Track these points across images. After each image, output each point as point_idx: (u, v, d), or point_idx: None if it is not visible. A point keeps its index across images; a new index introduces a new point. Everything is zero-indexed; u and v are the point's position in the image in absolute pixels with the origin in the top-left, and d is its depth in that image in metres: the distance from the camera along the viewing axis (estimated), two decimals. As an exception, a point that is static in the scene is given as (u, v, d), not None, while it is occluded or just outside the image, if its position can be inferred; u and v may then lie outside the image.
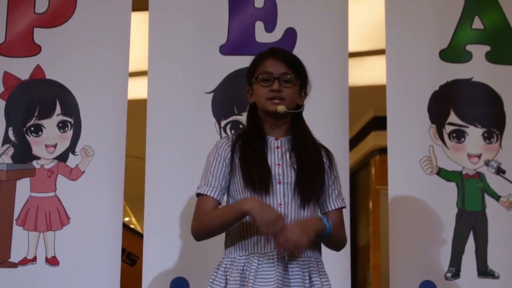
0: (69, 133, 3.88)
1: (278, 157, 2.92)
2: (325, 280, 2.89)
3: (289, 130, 2.98)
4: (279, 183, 2.88)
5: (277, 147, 2.94)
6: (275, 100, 2.90)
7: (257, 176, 2.86)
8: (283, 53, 3.01)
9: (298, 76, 2.96)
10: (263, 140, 2.94)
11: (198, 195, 2.96)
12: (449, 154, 3.94)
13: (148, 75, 3.93)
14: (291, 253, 2.80)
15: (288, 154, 2.93)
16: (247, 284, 2.78)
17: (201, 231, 2.92)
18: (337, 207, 3.01)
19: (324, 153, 3.01)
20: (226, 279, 2.85)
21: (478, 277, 3.85)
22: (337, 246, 3.04)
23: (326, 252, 3.59)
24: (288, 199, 2.87)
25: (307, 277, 2.85)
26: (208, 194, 2.92)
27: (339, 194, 3.03)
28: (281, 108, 2.89)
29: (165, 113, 3.89)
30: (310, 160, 2.93)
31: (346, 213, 3.79)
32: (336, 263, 3.77)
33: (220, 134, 3.87)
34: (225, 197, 2.96)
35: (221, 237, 2.96)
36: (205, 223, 2.90)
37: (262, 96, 2.92)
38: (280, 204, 2.86)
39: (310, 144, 2.97)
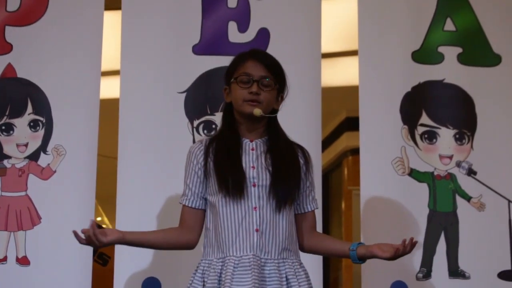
0: (41, 132, 3.86)
1: (253, 159, 2.92)
2: (302, 280, 2.89)
3: (264, 132, 2.98)
4: (254, 185, 2.88)
5: (252, 149, 2.94)
6: (251, 103, 2.90)
7: (231, 179, 2.86)
8: (265, 56, 3.00)
9: (277, 80, 2.96)
10: (238, 142, 2.94)
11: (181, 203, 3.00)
12: (421, 155, 3.96)
13: (120, 75, 3.91)
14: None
15: (263, 156, 2.93)
16: (224, 287, 2.78)
17: None
18: (313, 208, 3.04)
19: (301, 154, 3.02)
20: (204, 281, 2.86)
21: (449, 278, 3.87)
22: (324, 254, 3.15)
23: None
24: (263, 202, 2.87)
25: (284, 278, 2.86)
26: (187, 204, 2.96)
27: (314, 196, 3.06)
28: (257, 112, 2.89)
29: (137, 112, 3.88)
30: (285, 162, 2.93)
31: (319, 214, 3.80)
32: (308, 263, 3.76)
33: (193, 134, 3.86)
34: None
35: (193, 237, 2.96)
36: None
37: (239, 97, 2.92)
38: (255, 208, 2.86)
39: (285, 146, 2.98)
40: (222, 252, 2.86)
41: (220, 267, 2.84)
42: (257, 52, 3.02)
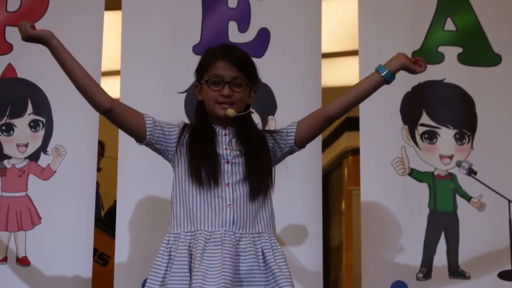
0: (41, 132, 3.86)
1: (226, 142, 2.93)
2: (278, 254, 2.87)
3: (234, 122, 2.98)
4: (227, 162, 2.89)
5: (225, 135, 2.95)
6: (224, 105, 2.90)
7: (206, 165, 2.85)
8: (235, 55, 2.97)
9: (249, 78, 2.95)
10: (210, 129, 2.95)
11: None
12: (421, 155, 3.96)
13: (120, 75, 3.91)
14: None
15: (234, 140, 2.94)
16: (194, 262, 2.77)
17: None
18: (293, 130, 3.00)
19: (268, 134, 3.02)
20: (170, 255, 2.84)
21: (449, 278, 3.87)
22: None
23: (297, 252, 3.61)
24: (236, 177, 2.88)
25: (260, 253, 2.84)
26: (145, 116, 3.00)
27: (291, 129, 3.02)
28: (230, 112, 2.90)
29: (137, 112, 3.87)
30: (256, 142, 2.94)
31: (319, 214, 3.81)
32: (308, 263, 3.79)
33: (193, 134, 3.86)
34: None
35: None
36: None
37: (211, 98, 2.92)
38: (228, 184, 2.87)
39: (254, 130, 2.99)
40: (192, 226, 2.84)
41: (189, 240, 2.83)
42: (226, 51, 2.98)
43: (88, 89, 2.97)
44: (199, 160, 2.87)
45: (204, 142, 2.91)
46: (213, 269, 2.75)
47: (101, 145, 5.27)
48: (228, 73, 2.91)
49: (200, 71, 2.99)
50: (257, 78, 3.01)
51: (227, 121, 2.95)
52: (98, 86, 2.98)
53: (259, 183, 2.90)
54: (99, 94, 2.96)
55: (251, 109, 3.05)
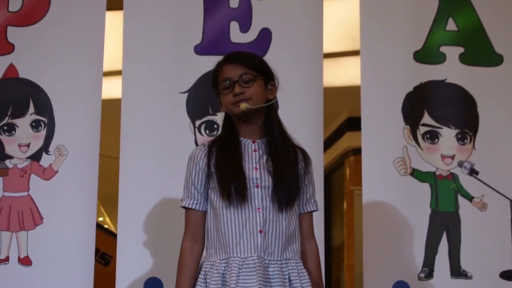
0: (43, 132, 3.86)
1: (256, 160, 2.92)
2: (305, 282, 2.88)
3: (265, 131, 2.97)
4: (257, 187, 2.88)
5: (255, 150, 2.94)
6: (238, 103, 2.89)
7: (233, 184, 2.85)
8: (237, 55, 2.99)
9: (258, 71, 2.94)
10: (238, 145, 2.93)
11: (184, 207, 2.96)
12: (423, 155, 3.96)
13: (122, 75, 3.91)
14: None
15: (264, 158, 2.92)
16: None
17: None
18: (308, 210, 3.01)
19: (301, 155, 3.01)
20: (206, 282, 2.85)
21: (451, 278, 3.87)
22: None
23: (300, 252, 3.60)
24: (266, 203, 2.87)
25: (287, 279, 2.86)
26: (193, 207, 2.94)
27: (312, 197, 3.03)
28: (243, 106, 2.88)
29: (139, 112, 3.88)
30: (286, 163, 2.92)
31: (321, 214, 3.80)
32: (310, 264, 3.79)
33: (195, 134, 3.86)
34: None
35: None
36: (178, 264, 2.93)
37: (228, 103, 2.92)
38: (259, 209, 2.86)
39: (285, 147, 2.96)
40: (226, 253, 2.85)
41: (223, 267, 2.84)
42: (229, 55, 3.00)
43: None
44: (228, 179, 2.86)
45: (232, 160, 2.90)
46: None
47: None
48: (234, 73, 2.91)
49: (214, 86, 2.99)
50: (270, 72, 3.00)
51: (249, 120, 2.93)
52: (199, 253, 2.96)
53: (288, 206, 2.91)
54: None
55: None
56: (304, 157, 3.01)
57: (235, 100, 2.89)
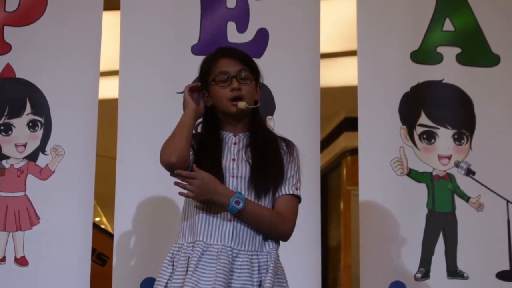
0: (39, 132, 3.86)
1: (234, 152, 2.91)
2: (280, 273, 2.84)
3: (246, 126, 2.96)
4: (233, 176, 2.87)
5: (235, 143, 2.93)
6: (234, 102, 2.88)
7: (209, 172, 2.82)
8: (234, 51, 2.99)
9: (253, 71, 2.95)
10: (218, 137, 2.93)
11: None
12: (420, 155, 3.96)
13: (119, 75, 3.91)
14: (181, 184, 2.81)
15: (244, 150, 2.91)
16: (187, 272, 2.76)
17: (166, 149, 2.90)
18: (286, 193, 2.91)
19: (285, 145, 2.98)
20: (173, 265, 2.84)
21: (448, 278, 3.87)
22: (267, 233, 2.88)
23: (296, 252, 3.61)
24: (242, 192, 2.84)
25: (256, 270, 2.81)
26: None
27: (290, 181, 2.93)
28: (242, 105, 2.87)
29: (136, 112, 3.88)
30: (266, 154, 2.90)
31: (317, 214, 3.81)
32: (307, 263, 3.79)
33: (192, 134, 3.86)
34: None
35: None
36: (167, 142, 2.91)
37: (223, 97, 2.90)
38: None
39: (267, 140, 2.95)
40: (193, 236, 2.83)
41: (190, 251, 2.81)
42: (225, 49, 3.01)
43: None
44: (203, 168, 2.84)
45: (210, 153, 2.90)
46: (204, 282, 2.74)
47: None
48: (232, 68, 2.90)
49: (204, 76, 2.97)
50: (259, 73, 3.00)
51: (239, 119, 2.93)
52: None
53: (265, 198, 2.88)
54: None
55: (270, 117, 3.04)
56: (287, 146, 2.98)
57: (232, 95, 2.88)
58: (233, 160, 2.90)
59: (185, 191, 2.81)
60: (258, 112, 3.00)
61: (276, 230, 2.88)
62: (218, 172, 2.85)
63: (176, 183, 2.83)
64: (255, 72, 2.96)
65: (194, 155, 2.90)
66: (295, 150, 2.99)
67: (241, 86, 2.89)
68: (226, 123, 2.96)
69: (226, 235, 2.81)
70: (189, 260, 2.80)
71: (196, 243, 2.81)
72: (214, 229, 2.82)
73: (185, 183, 2.81)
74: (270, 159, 2.91)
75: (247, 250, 2.82)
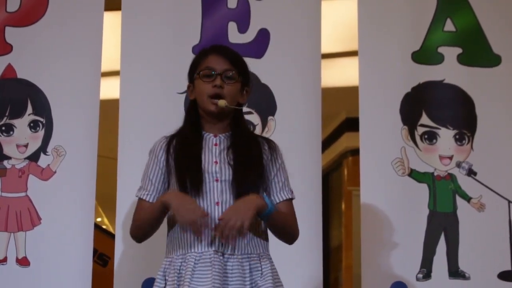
0: (41, 133, 3.86)
1: (216, 154, 2.89)
2: (268, 276, 2.82)
3: (228, 127, 2.95)
4: (216, 180, 2.85)
5: (215, 144, 2.91)
6: (214, 100, 2.87)
7: (190, 176, 2.83)
8: (226, 49, 2.99)
9: (241, 73, 2.94)
10: (200, 138, 2.92)
11: (138, 197, 2.97)
12: (421, 156, 3.96)
13: (120, 75, 3.91)
14: (233, 237, 2.75)
15: (225, 151, 2.90)
16: (183, 284, 2.75)
17: (135, 231, 2.96)
18: (282, 199, 2.94)
19: (266, 146, 2.97)
20: (165, 280, 2.84)
21: (449, 278, 3.87)
22: (286, 236, 2.95)
23: (297, 252, 3.60)
24: (226, 196, 2.84)
25: (247, 274, 2.81)
26: (144, 198, 2.94)
27: (284, 185, 2.96)
28: (222, 103, 2.86)
29: (137, 113, 3.88)
30: (247, 156, 2.89)
31: (319, 214, 3.81)
32: (308, 264, 3.79)
33: (193, 135, 3.86)
34: None
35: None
36: (136, 222, 2.94)
37: (203, 92, 2.89)
38: (218, 203, 2.83)
39: (248, 140, 2.94)
40: (183, 249, 2.83)
41: (179, 263, 2.81)
42: (218, 47, 3.00)
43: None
44: (184, 172, 2.85)
45: (189, 154, 2.88)
46: None
47: None
48: (220, 66, 2.90)
49: (192, 70, 2.97)
50: (249, 78, 3.00)
51: (220, 118, 2.91)
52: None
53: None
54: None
55: (251, 110, 3.04)
56: (269, 146, 2.97)
57: (213, 91, 2.87)
58: (216, 162, 2.88)
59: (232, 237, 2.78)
60: (242, 114, 3.00)
61: (294, 232, 2.95)
62: (198, 175, 2.84)
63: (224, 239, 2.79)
64: (243, 75, 2.95)
65: (174, 157, 2.90)
66: (278, 150, 2.99)
67: (223, 84, 2.88)
68: (206, 122, 2.94)
69: (215, 241, 2.80)
70: (182, 272, 2.79)
71: (188, 255, 2.81)
72: (203, 237, 2.80)
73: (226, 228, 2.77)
74: (252, 161, 2.90)
75: (237, 254, 2.81)
